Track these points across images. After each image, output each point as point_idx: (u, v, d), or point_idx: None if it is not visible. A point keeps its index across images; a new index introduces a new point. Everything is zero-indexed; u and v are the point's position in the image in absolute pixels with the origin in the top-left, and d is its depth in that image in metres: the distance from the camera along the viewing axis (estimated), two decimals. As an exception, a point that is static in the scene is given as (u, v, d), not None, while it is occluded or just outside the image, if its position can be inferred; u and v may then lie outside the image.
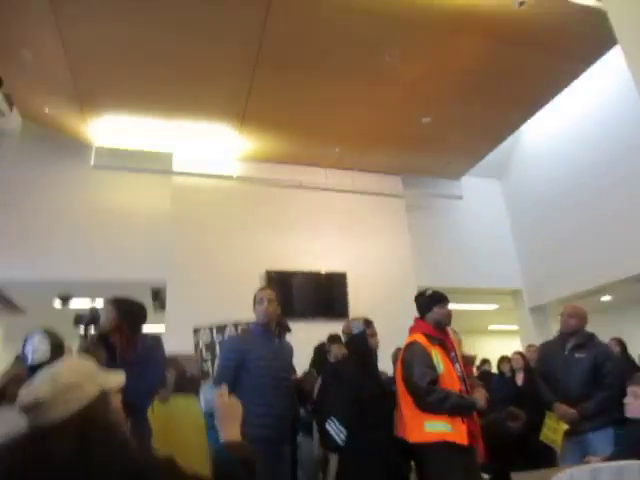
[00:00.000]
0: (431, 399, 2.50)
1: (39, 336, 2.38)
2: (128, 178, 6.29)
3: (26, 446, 0.96)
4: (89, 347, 2.29)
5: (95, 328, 2.42)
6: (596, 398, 2.92)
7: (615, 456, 1.87)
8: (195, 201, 6.32)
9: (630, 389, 2.07)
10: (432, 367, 2.60)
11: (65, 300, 7.41)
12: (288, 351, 2.88)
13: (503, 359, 5.87)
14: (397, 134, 6.28)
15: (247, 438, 2.33)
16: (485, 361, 6.65)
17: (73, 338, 2.50)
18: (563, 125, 7.18)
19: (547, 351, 3.30)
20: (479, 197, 8.14)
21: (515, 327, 8.54)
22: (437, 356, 2.66)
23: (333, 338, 3.84)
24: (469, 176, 7.73)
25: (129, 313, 2.44)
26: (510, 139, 6.95)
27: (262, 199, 6.59)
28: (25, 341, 2.34)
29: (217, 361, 2.69)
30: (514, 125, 6.42)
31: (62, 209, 6.10)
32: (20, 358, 2.36)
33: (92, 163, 5.95)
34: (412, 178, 7.41)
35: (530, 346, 5.65)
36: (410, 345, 2.74)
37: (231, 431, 1.31)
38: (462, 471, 2.48)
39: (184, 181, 6.36)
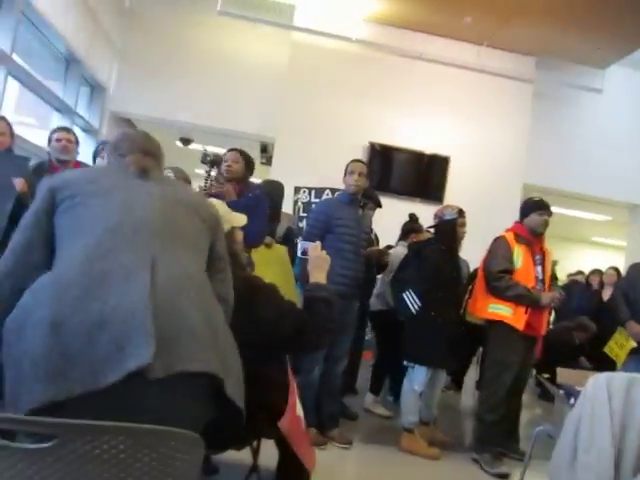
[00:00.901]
0: (498, 284, 2.84)
1: (168, 172, 2.92)
2: (251, 29, 6.35)
3: None
4: (219, 184, 2.72)
5: (217, 170, 2.85)
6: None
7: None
8: (311, 61, 6.28)
9: None
10: (509, 260, 2.86)
11: (186, 142, 8.26)
12: (368, 221, 3.18)
13: (594, 272, 5.75)
14: (542, 6, 5.45)
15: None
16: (580, 272, 6.51)
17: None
18: None
19: (636, 272, 3.24)
20: (622, 93, 7.09)
21: (623, 243, 8.02)
22: (519, 253, 2.89)
23: (413, 219, 4.01)
24: (616, 66, 6.66)
25: (250, 164, 2.85)
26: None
27: (378, 67, 6.36)
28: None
29: (308, 220, 3.00)
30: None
31: (187, 52, 6.42)
32: None
33: (218, 8, 6.01)
34: (548, 61, 6.58)
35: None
36: (497, 239, 3.04)
37: (319, 277, 1.63)
38: (517, 354, 2.84)
39: (303, 38, 6.27)
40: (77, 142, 2.99)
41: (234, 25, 6.32)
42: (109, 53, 6.15)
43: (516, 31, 6.03)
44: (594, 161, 6.91)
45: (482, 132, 6.48)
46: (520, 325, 2.79)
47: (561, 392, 2.20)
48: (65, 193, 1.15)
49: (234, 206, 1.68)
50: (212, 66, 6.45)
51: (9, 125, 2.75)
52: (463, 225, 3.15)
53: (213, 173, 2.86)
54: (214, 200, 1.57)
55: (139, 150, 1.31)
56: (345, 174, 2.98)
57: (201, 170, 2.98)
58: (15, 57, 4.29)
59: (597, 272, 5.70)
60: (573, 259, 9.35)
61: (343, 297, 2.80)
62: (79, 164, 2.96)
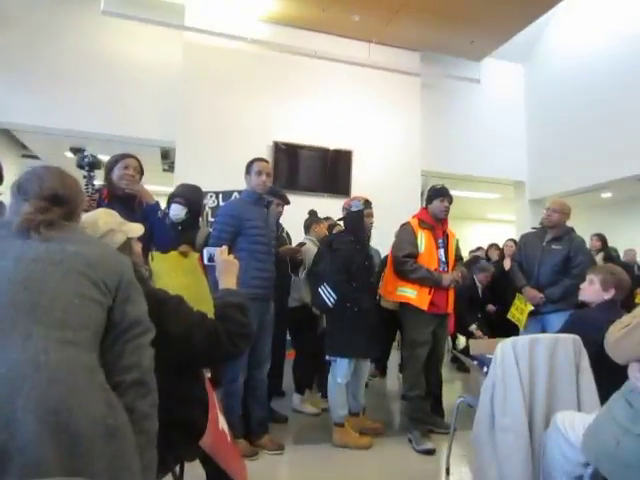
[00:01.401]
0: (403, 268, 3.04)
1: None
2: (139, 29, 6.04)
3: None
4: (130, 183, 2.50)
5: (94, 173, 2.63)
6: (562, 284, 3.23)
7: (561, 331, 2.18)
8: (207, 61, 6.10)
9: (588, 276, 2.31)
10: (413, 245, 3.05)
11: (77, 152, 7.63)
12: (274, 220, 3.16)
13: (491, 246, 6.21)
14: (422, 4, 5.80)
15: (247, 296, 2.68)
16: (480, 248, 6.98)
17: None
18: (598, 14, 6.66)
19: (527, 241, 3.54)
20: (498, 82, 7.82)
21: (513, 217, 8.80)
22: (422, 238, 3.09)
23: (312, 213, 4.14)
24: (491, 57, 7.30)
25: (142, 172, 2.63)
26: (541, 20, 6.44)
27: (275, 66, 6.35)
28: None
29: (215, 225, 2.88)
30: (549, 4, 5.89)
31: (71, 55, 5.96)
32: None
33: (102, 8, 5.61)
34: (431, 56, 7.03)
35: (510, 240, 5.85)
36: (402, 225, 3.25)
37: (229, 282, 1.56)
38: (427, 332, 3.04)
39: (197, 38, 6.05)
40: None
41: (121, 25, 5.95)
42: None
43: (401, 28, 6.35)
44: (480, 145, 7.52)
45: (379, 125, 6.74)
46: (424, 305, 2.99)
47: (475, 362, 2.33)
48: None
49: (132, 218, 1.55)
50: (101, 70, 6.02)
51: None
52: (370, 215, 3.23)
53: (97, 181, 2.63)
54: (102, 212, 1.42)
55: (42, 196, 1.09)
56: (249, 173, 2.90)
57: (98, 182, 2.72)
58: None
59: (494, 246, 6.16)
60: (472, 237, 10.10)
61: (260, 299, 2.75)
62: None
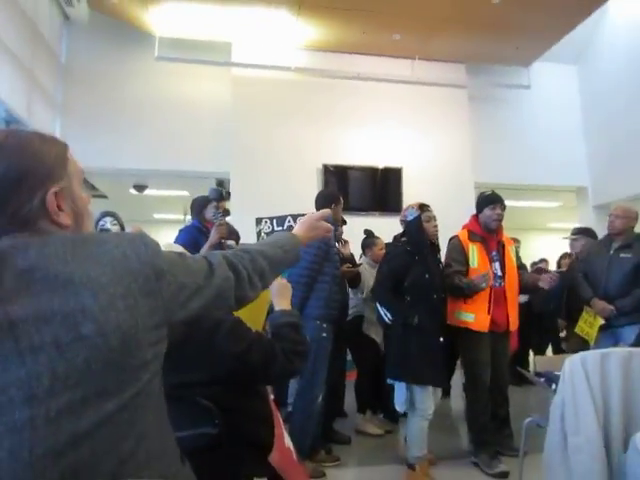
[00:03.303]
0: (446, 284, 2.84)
1: (110, 218, 2.94)
2: (191, 70, 6.41)
3: None
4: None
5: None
6: (635, 294, 3.03)
7: (635, 344, 2.06)
8: (254, 93, 6.37)
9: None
10: (462, 261, 2.87)
11: (140, 189, 8.15)
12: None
13: (565, 255, 5.83)
14: (462, 17, 5.77)
15: (326, 318, 2.71)
16: (543, 260, 6.66)
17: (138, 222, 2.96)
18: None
19: (592, 250, 3.37)
20: (550, 85, 7.54)
21: (577, 226, 8.36)
22: (474, 252, 2.88)
23: (368, 233, 4.12)
24: (541, 61, 7.07)
25: None
26: (592, 19, 6.21)
27: (319, 91, 6.52)
28: (98, 220, 2.92)
29: (309, 249, 2.72)
30: (591, 6, 5.68)
31: (130, 100, 6.39)
32: None
33: (156, 54, 6.06)
34: (477, 66, 6.95)
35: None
36: (451, 240, 3.04)
37: (283, 304, 1.63)
38: (488, 352, 2.86)
39: (243, 72, 6.37)
40: None
41: (174, 68, 6.36)
42: (50, 109, 6.03)
43: (442, 42, 6.35)
44: (535, 152, 7.25)
45: (428, 139, 6.70)
46: (485, 328, 2.83)
47: (542, 380, 2.24)
48: None
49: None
50: (157, 111, 6.42)
51: None
52: (429, 220, 2.89)
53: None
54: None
55: None
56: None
57: (160, 215, 2.94)
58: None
59: (568, 255, 5.80)
60: (534, 248, 9.67)
61: (335, 321, 2.87)
62: None
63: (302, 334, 1.51)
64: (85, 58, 6.36)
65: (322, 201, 3.00)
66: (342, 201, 3.08)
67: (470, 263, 2.87)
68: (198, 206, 3.14)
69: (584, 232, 4.22)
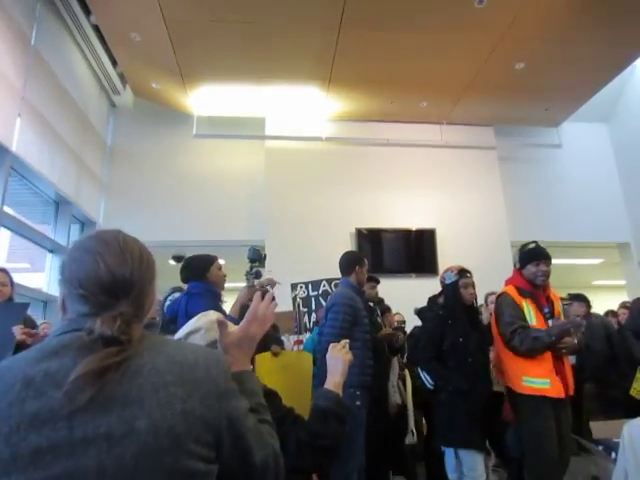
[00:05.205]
0: (513, 345, 2.54)
1: (179, 293, 2.99)
2: (226, 144, 6.82)
3: None
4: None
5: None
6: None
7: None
8: (287, 163, 6.66)
9: None
10: (520, 318, 2.60)
11: (178, 260, 8.40)
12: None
13: (609, 313, 5.61)
14: (488, 84, 6.01)
15: (360, 385, 2.60)
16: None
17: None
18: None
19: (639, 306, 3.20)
20: (582, 144, 7.56)
21: (622, 282, 8.01)
22: (529, 309, 2.64)
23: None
24: (570, 122, 7.17)
25: None
26: (620, 78, 6.30)
27: (350, 158, 6.75)
28: (167, 295, 2.89)
29: (333, 314, 2.75)
30: (622, 64, 5.79)
31: (169, 176, 6.79)
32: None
33: (194, 132, 6.51)
34: (506, 127, 7.08)
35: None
36: (499, 296, 2.78)
37: (332, 381, 1.35)
38: (552, 418, 2.52)
39: (276, 144, 6.72)
40: (12, 284, 2.74)
41: (210, 144, 6.78)
42: (96, 190, 6.47)
43: (470, 107, 6.56)
44: (570, 209, 7.16)
45: (460, 200, 6.74)
46: (561, 394, 2.51)
47: (600, 448, 2.07)
48: None
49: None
50: (195, 184, 6.78)
51: (9, 275, 2.74)
52: (467, 286, 2.83)
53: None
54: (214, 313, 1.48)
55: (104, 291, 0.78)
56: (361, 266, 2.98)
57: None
58: (6, 209, 4.47)
59: (611, 312, 5.57)
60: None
61: (369, 388, 2.73)
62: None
63: (328, 425, 1.23)
64: (129, 140, 6.89)
65: (345, 264, 3.01)
66: (366, 262, 3.05)
67: (528, 320, 2.61)
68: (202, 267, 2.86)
69: (576, 298, 4.31)
